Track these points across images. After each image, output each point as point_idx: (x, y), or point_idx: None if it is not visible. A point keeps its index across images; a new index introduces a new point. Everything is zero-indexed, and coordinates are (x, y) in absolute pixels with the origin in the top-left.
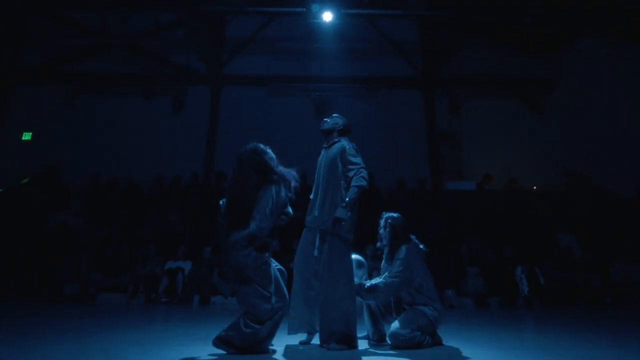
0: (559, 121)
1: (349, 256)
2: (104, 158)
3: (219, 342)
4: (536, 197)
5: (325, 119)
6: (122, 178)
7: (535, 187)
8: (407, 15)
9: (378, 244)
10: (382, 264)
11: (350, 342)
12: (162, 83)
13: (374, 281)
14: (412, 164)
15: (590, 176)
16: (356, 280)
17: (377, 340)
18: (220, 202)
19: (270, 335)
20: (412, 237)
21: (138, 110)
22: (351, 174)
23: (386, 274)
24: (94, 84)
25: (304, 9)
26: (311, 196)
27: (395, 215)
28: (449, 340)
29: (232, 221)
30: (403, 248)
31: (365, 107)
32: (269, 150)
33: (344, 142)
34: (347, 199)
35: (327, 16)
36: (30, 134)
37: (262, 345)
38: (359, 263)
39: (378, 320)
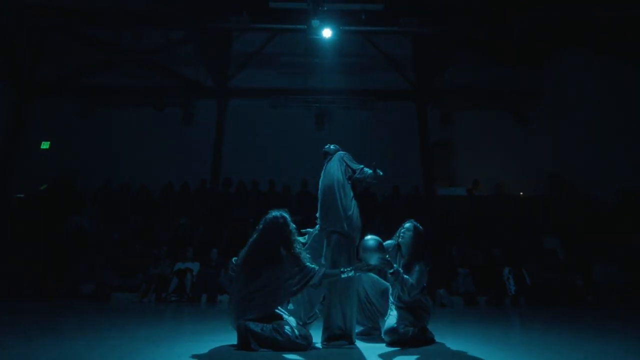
0: (544, 130)
1: (352, 255)
2: (117, 165)
3: (245, 330)
4: (522, 202)
5: (330, 146)
6: (134, 184)
7: (521, 193)
8: (402, 32)
9: (393, 241)
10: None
11: (348, 339)
12: (172, 95)
13: (405, 276)
14: (406, 171)
15: (573, 183)
16: (376, 260)
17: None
18: (233, 260)
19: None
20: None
21: (149, 121)
22: (357, 174)
23: (414, 278)
24: (108, 96)
25: (305, 26)
26: (317, 214)
27: (421, 227)
28: (441, 336)
29: (250, 273)
30: (419, 265)
31: (362, 118)
32: (291, 223)
33: (340, 152)
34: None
35: (327, 32)
36: (49, 143)
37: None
38: (378, 246)
39: (373, 315)
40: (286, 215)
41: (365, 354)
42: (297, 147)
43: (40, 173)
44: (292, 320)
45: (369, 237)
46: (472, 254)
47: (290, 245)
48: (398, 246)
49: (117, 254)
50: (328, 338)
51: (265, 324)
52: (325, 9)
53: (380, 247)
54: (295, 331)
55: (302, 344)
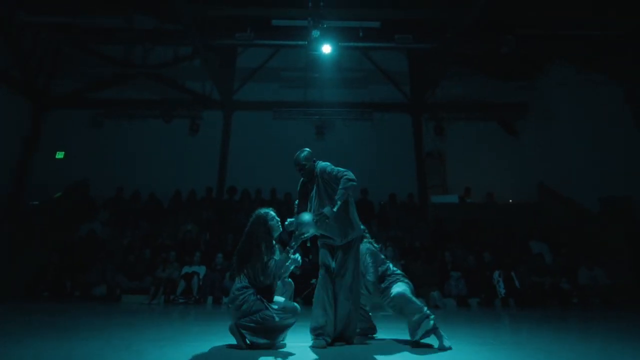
0: (532, 141)
1: (357, 262)
2: (128, 174)
3: (235, 327)
4: (511, 209)
5: (301, 162)
6: (144, 191)
7: (510, 200)
8: (398, 48)
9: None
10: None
11: (347, 340)
12: (179, 108)
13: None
14: (401, 180)
15: (559, 190)
16: (312, 231)
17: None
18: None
19: (286, 330)
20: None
21: (158, 132)
22: (339, 175)
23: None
24: (119, 108)
25: (306, 42)
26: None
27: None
28: (435, 336)
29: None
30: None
31: (360, 130)
32: (275, 218)
33: (319, 164)
34: (337, 203)
35: (326, 48)
36: (63, 153)
37: (276, 334)
38: (312, 218)
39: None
40: (270, 211)
41: (359, 353)
42: None
43: (55, 181)
44: (278, 300)
45: (302, 213)
46: (464, 258)
47: (267, 240)
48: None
49: (128, 258)
50: (312, 339)
51: (252, 316)
52: (325, 26)
53: (308, 220)
54: (280, 313)
55: (290, 322)
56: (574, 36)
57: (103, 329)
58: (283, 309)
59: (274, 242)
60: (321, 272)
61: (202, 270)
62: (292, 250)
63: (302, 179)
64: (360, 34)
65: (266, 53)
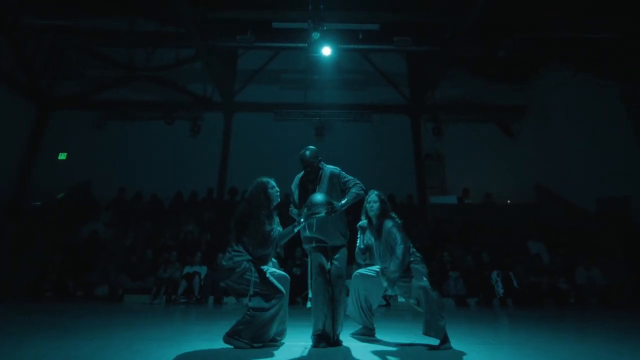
0: (529, 142)
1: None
2: (130, 175)
3: (227, 337)
4: (509, 210)
5: (309, 159)
6: (146, 192)
7: (508, 201)
8: (397, 50)
9: (361, 223)
10: (366, 240)
11: (328, 340)
12: (181, 110)
13: (392, 275)
14: (400, 181)
15: (556, 191)
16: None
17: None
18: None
19: (273, 320)
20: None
21: (160, 133)
22: (350, 184)
23: (398, 253)
24: (122, 110)
25: (306, 44)
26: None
27: (382, 194)
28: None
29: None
30: (388, 222)
31: (359, 131)
32: (275, 187)
33: (327, 166)
34: (345, 200)
35: (326, 50)
36: (66, 154)
37: (267, 334)
38: (324, 199)
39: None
40: (270, 180)
41: (356, 354)
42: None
43: (58, 182)
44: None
45: (316, 193)
46: (462, 258)
47: (267, 208)
48: (369, 219)
49: (130, 259)
50: (314, 342)
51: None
52: (325, 28)
53: (322, 201)
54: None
55: (274, 304)
56: (570, 39)
57: (105, 329)
58: (272, 274)
59: (273, 211)
60: (316, 277)
61: (203, 270)
62: (299, 227)
63: (298, 176)
64: (360, 36)
65: (266, 55)
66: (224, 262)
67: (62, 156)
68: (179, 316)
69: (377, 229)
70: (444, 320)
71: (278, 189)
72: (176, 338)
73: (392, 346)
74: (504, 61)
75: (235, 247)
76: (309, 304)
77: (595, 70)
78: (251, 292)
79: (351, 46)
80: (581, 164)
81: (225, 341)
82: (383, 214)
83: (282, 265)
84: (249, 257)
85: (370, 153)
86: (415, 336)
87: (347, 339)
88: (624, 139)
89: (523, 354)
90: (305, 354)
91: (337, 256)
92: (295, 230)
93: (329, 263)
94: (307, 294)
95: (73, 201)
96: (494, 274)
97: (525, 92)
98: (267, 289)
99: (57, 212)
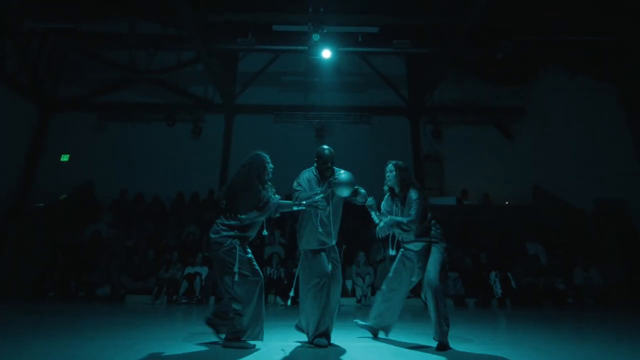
0: (527, 144)
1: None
2: (132, 176)
3: (226, 342)
4: (507, 211)
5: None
6: (147, 194)
7: (507, 202)
8: (396, 52)
9: (368, 202)
10: (387, 206)
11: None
12: (182, 112)
13: (397, 218)
14: None
15: (554, 192)
16: (347, 192)
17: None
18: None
19: (252, 323)
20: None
21: (161, 135)
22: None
23: (412, 212)
24: (123, 112)
25: (306, 47)
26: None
27: (400, 162)
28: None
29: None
30: (413, 191)
31: (359, 132)
32: (269, 164)
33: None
34: (365, 192)
35: (326, 53)
36: (68, 155)
37: (243, 334)
38: (350, 178)
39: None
40: (267, 156)
41: (357, 354)
42: (298, 159)
43: (61, 183)
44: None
45: (342, 171)
46: (461, 259)
47: (261, 178)
48: (391, 190)
49: (132, 259)
50: (322, 343)
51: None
52: (325, 31)
53: (351, 180)
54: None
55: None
56: (568, 41)
57: (106, 329)
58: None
59: (268, 182)
60: (317, 279)
61: (204, 270)
62: (318, 197)
63: (306, 172)
64: (360, 39)
65: (267, 58)
66: (212, 235)
67: (65, 157)
68: (181, 316)
69: (401, 200)
70: (447, 328)
71: (272, 166)
72: (177, 338)
73: (392, 346)
74: (502, 63)
75: (225, 222)
76: (289, 302)
77: (594, 72)
78: (236, 270)
79: (351, 49)
80: (579, 166)
81: (225, 346)
82: (406, 185)
83: (282, 265)
84: (235, 233)
85: (370, 155)
86: (415, 336)
87: (347, 339)
88: (622, 141)
89: (521, 353)
90: (305, 354)
91: (334, 256)
92: (313, 201)
93: (329, 264)
94: (291, 294)
95: (76, 202)
96: (493, 275)
97: (524, 94)
98: (247, 270)
99: (59, 213)
